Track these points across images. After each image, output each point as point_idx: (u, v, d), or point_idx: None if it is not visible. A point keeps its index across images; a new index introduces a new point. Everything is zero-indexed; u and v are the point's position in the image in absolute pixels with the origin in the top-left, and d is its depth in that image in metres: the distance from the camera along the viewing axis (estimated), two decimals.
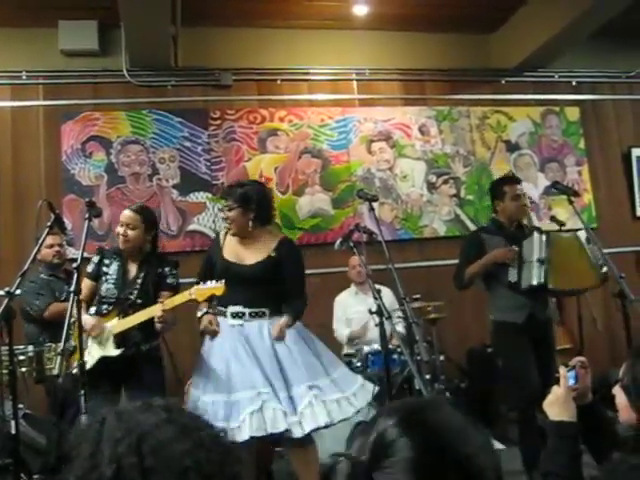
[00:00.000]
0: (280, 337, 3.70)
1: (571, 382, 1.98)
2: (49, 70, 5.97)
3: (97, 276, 3.84)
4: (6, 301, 2.90)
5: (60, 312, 4.35)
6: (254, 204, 3.79)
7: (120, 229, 3.81)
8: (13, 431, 2.97)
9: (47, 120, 5.95)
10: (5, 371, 3.63)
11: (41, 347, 4.20)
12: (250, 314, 3.72)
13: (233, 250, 3.86)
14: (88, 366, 3.50)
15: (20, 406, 3.58)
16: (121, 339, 3.65)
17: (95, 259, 3.89)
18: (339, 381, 3.72)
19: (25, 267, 3.14)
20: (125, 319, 3.66)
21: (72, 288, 3.08)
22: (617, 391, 1.88)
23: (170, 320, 3.65)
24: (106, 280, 3.80)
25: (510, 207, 4.35)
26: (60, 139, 5.93)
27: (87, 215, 3.37)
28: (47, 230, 3.25)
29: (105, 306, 3.76)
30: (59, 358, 2.92)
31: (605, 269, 4.08)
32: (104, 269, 3.84)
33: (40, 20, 5.82)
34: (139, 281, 3.78)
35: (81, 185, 5.90)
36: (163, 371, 3.94)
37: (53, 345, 4.09)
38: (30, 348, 4.17)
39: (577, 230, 4.24)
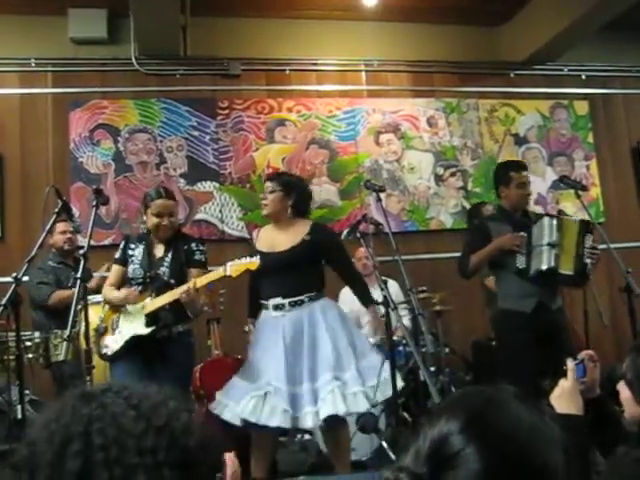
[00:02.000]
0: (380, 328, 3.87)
1: (579, 375, 1.97)
2: (58, 58, 5.98)
3: (124, 261, 3.85)
4: (12, 287, 2.91)
5: (64, 299, 4.39)
6: (295, 193, 3.94)
7: (164, 220, 3.76)
8: (19, 416, 2.99)
9: (55, 108, 5.96)
10: (12, 357, 3.66)
11: (47, 333, 4.23)
12: (290, 304, 3.79)
13: (267, 240, 3.95)
14: (119, 345, 3.65)
15: (26, 392, 3.61)
16: (153, 319, 3.67)
17: (121, 245, 3.92)
18: (364, 371, 3.74)
19: (32, 253, 3.16)
20: (157, 299, 3.67)
21: (79, 274, 3.09)
22: (621, 387, 1.88)
23: (195, 298, 3.65)
24: (132, 262, 3.81)
25: (515, 194, 4.21)
26: (68, 127, 5.94)
27: (94, 202, 3.38)
28: (55, 217, 3.26)
29: (134, 287, 3.77)
30: (65, 344, 2.94)
31: (589, 265, 4.00)
32: (130, 252, 3.84)
33: (50, 8, 5.83)
34: (167, 260, 3.78)
35: (89, 173, 5.91)
36: (194, 355, 3.98)
37: (59, 332, 4.11)
38: (37, 334, 4.19)
39: (584, 219, 4.18)
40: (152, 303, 3.67)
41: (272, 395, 3.61)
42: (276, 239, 3.93)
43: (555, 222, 4.05)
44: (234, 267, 3.54)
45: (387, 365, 3.58)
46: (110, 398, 0.89)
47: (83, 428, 0.84)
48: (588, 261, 4.00)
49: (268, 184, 4.01)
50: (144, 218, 3.89)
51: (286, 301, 3.78)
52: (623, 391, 1.87)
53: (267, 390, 3.62)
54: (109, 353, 3.71)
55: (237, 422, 3.66)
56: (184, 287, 3.55)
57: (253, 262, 3.55)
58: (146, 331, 3.64)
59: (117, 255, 3.90)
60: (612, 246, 3.93)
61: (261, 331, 3.88)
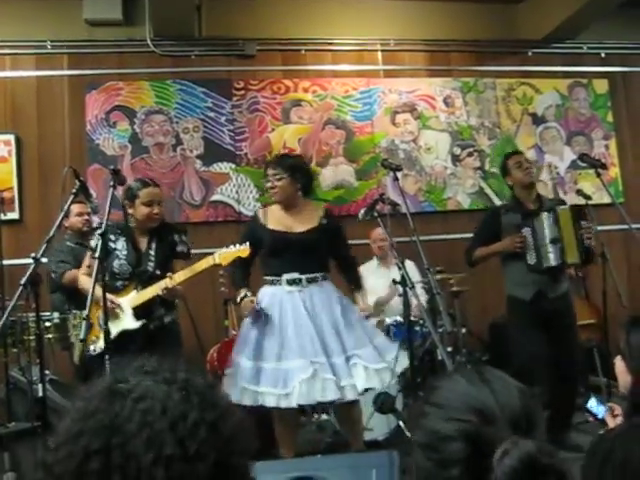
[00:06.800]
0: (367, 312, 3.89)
1: (602, 414, 1.93)
2: (73, 40, 5.97)
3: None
4: (32, 267, 2.92)
5: (75, 278, 4.38)
6: (300, 174, 3.93)
7: (155, 208, 3.70)
8: (40, 394, 3.02)
9: (72, 90, 5.97)
10: (32, 337, 3.69)
11: (66, 314, 4.25)
12: (307, 280, 3.80)
13: (279, 221, 3.93)
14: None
15: (46, 372, 3.63)
16: (142, 312, 3.61)
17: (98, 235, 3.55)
18: (380, 347, 3.86)
19: (50, 234, 3.16)
20: (142, 292, 3.62)
21: (97, 254, 3.09)
22: (617, 360, 1.94)
23: (175, 292, 3.64)
24: (117, 257, 3.70)
25: (517, 175, 4.39)
26: (84, 109, 5.95)
27: (112, 183, 3.36)
28: (72, 197, 3.26)
29: (120, 282, 3.67)
30: (84, 323, 2.95)
31: (591, 246, 4.15)
32: (111, 245, 3.69)
33: None
34: (152, 252, 3.72)
35: (105, 155, 5.92)
36: (182, 343, 3.96)
37: (78, 312, 4.12)
38: (56, 315, 4.22)
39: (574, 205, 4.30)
40: (139, 296, 3.62)
41: (319, 371, 3.61)
42: (290, 220, 3.92)
43: (552, 217, 4.18)
44: (223, 255, 3.57)
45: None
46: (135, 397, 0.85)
47: (101, 444, 0.81)
48: (588, 242, 4.15)
49: (271, 171, 3.93)
50: (129, 212, 3.75)
51: (304, 277, 3.80)
52: (618, 364, 1.93)
53: (314, 368, 3.61)
54: (96, 350, 3.53)
55: (255, 403, 3.62)
56: (162, 284, 3.53)
57: (244, 249, 3.59)
58: (136, 325, 3.59)
59: (93, 245, 3.54)
60: (634, 227, 3.90)
61: (273, 305, 3.82)
